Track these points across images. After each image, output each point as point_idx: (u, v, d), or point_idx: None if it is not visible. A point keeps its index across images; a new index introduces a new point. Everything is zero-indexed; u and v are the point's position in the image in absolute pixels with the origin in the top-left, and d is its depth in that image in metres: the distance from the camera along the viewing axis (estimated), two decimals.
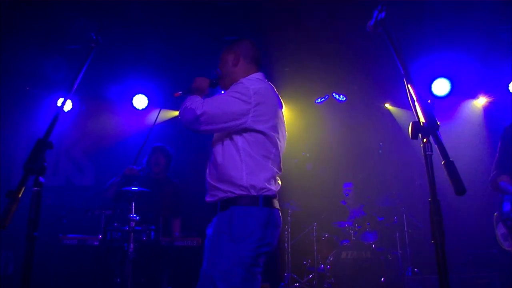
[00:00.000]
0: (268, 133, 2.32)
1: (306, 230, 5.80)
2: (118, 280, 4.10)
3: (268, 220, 2.25)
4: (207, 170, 2.47)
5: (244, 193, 2.26)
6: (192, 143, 4.92)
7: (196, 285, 2.30)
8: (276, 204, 2.36)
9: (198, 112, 2.28)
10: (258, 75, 2.54)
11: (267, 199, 2.28)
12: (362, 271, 5.12)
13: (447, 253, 1.48)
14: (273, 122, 2.36)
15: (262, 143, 2.31)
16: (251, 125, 2.29)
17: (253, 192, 2.25)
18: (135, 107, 6.43)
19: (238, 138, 2.32)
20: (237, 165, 2.29)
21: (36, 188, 1.74)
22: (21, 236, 1.73)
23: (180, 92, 2.61)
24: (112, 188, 4.53)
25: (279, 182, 2.43)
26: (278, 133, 2.39)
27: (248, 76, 2.49)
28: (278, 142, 2.39)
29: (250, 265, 2.16)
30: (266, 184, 2.29)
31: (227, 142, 2.35)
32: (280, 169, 2.44)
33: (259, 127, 2.30)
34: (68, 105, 6.01)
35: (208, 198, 2.43)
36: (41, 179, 1.75)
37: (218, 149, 2.38)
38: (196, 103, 2.34)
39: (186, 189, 4.89)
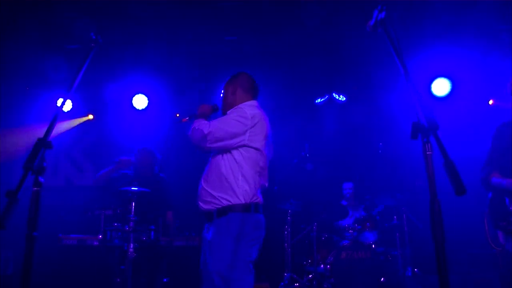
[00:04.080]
0: (261, 149, 2.77)
1: (306, 230, 5.79)
2: (118, 280, 4.10)
3: (257, 224, 2.72)
4: (205, 179, 2.83)
5: (239, 201, 2.67)
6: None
7: (194, 283, 2.54)
8: (261, 210, 2.80)
9: (205, 131, 2.72)
10: (253, 102, 2.96)
11: (256, 206, 2.73)
12: (362, 271, 5.11)
13: (447, 253, 1.48)
14: (264, 141, 2.80)
15: (254, 158, 2.75)
16: (248, 143, 2.73)
17: (246, 200, 2.68)
18: (135, 107, 6.43)
19: (235, 153, 2.74)
20: (235, 176, 2.71)
21: (35, 188, 1.75)
22: (21, 236, 1.73)
23: (187, 118, 3.04)
24: (103, 177, 4.62)
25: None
26: (266, 151, 2.83)
27: (245, 103, 2.91)
28: (266, 158, 2.84)
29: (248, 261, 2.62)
30: (256, 193, 2.74)
31: (227, 156, 2.76)
32: (266, 182, 2.88)
33: (255, 144, 2.75)
34: (68, 105, 6.00)
35: (204, 206, 2.78)
36: (40, 179, 1.75)
37: (219, 162, 2.77)
38: (203, 125, 2.78)
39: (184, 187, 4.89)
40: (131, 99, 6.41)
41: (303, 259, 5.71)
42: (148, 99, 6.41)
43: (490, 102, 6.29)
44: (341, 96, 6.59)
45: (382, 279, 5.09)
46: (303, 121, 6.49)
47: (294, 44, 5.65)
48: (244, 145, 2.73)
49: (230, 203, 2.67)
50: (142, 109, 6.43)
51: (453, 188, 1.47)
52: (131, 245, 3.96)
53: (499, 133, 3.64)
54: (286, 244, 5.61)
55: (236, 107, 2.89)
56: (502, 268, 3.61)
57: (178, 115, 3.05)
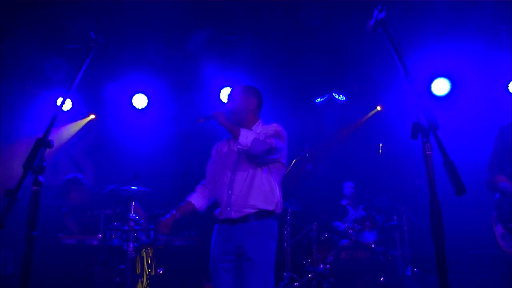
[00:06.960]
0: (286, 164, 3.04)
1: (305, 230, 5.79)
2: (118, 279, 4.10)
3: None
4: (238, 189, 2.88)
5: (271, 209, 2.86)
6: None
7: (192, 283, 2.60)
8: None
9: (275, 145, 2.78)
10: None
11: (278, 215, 2.96)
12: (361, 271, 5.11)
13: (446, 253, 1.48)
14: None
15: (281, 172, 2.99)
16: (282, 160, 2.96)
17: (277, 209, 2.88)
18: (134, 107, 6.43)
19: (271, 168, 2.91)
20: (271, 188, 2.88)
21: (35, 187, 1.74)
22: (21, 235, 1.72)
23: (202, 119, 2.97)
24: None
25: None
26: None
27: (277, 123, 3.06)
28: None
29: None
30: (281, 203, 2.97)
31: (265, 170, 2.90)
32: None
33: (285, 161, 3.01)
34: (68, 105, 6.00)
35: (236, 214, 2.86)
36: (40, 178, 1.75)
37: (255, 172, 2.88)
38: (271, 138, 2.80)
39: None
40: (131, 99, 6.41)
41: (303, 259, 5.71)
42: (148, 99, 6.41)
43: None
44: (341, 95, 6.59)
45: (382, 279, 5.09)
46: (303, 120, 6.49)
47: (294, 44, 5.65)
48: (278, 161, 2.93)
49: (268, 210, 2.85)
50: (142, 109, 6.43)
51: (453, 188, 1.47)
52: (131, 245, 3.96)
53: (501, 134, 3.63)
54: (285, 244, 5.60)
55: (276, 124, 3.02)
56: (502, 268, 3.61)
57: (201, 120, 2.97)
